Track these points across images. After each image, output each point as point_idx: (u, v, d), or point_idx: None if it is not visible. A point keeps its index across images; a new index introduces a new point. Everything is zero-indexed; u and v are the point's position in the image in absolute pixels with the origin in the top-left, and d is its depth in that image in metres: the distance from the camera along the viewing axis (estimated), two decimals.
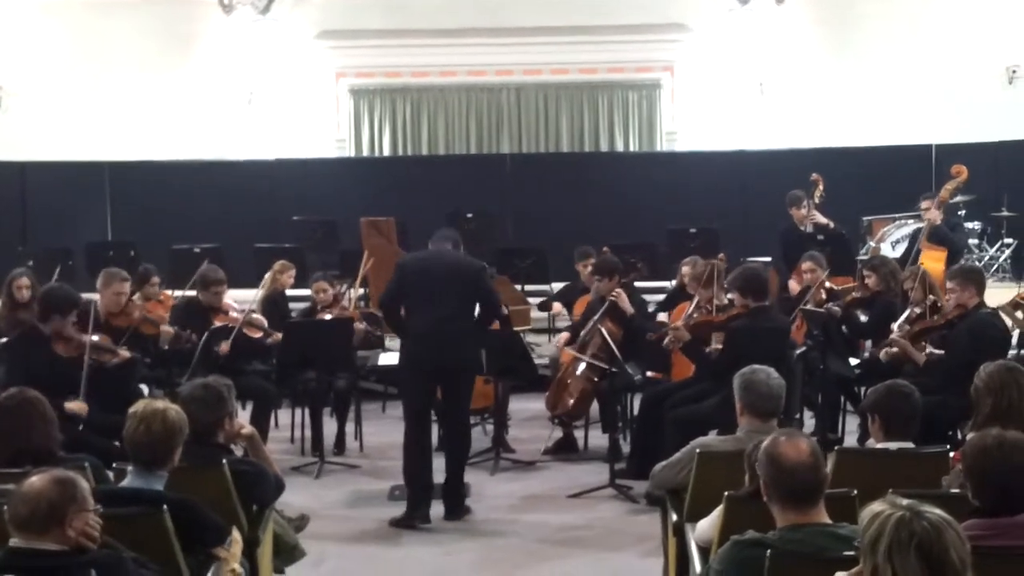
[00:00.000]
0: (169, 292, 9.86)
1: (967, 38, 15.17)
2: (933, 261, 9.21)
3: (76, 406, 6.45)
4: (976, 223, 13.24)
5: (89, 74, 15.55)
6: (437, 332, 6.79)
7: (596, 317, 7.94)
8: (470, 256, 7.54)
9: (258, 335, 8.23)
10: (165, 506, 3.99)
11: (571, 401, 8.10)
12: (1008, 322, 7.28)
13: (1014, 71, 15.10)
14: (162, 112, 15.60)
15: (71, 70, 15.58)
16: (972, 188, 12.09)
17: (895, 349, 7.24)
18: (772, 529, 3.52)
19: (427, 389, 6.95)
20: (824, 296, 8.48)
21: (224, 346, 7.81)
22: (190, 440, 4.46)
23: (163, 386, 7.91)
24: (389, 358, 8.21)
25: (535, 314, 10.66)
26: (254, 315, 8.36)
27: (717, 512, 4.15)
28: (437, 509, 6.88)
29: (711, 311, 7.49)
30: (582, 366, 8.05)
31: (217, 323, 7.99)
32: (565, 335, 8.78)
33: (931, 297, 7.47)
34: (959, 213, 12.76)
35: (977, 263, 11.42)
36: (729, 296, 7.42)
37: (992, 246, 13.35)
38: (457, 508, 6.92)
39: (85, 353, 6.65)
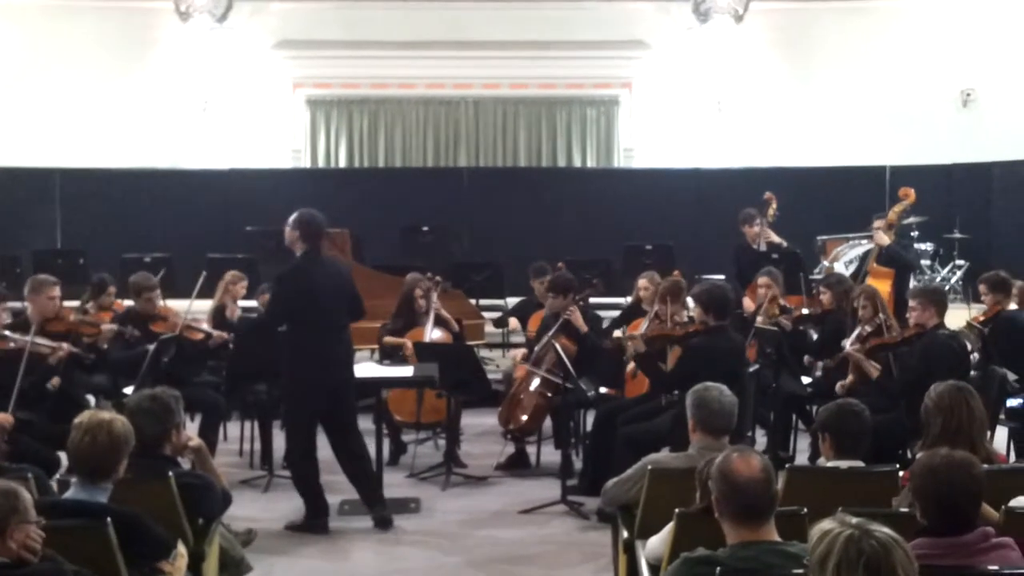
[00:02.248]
0: (121, 302, 9.74)
1: (923, 61, 15.35)
2: (880, 282, 9.28)
3: (2, 417, 6.32)
4: (928, 244, 13.40)
5: (42, 79, 15.35)
6: (325, 351, 6.86)
7: (550, 333, 7.93)
8: (336, 261, 7.60)
9: (200, 337, 8.16)
10: (109, 519, 3.94)
11: (524, 417, 8.08)
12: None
13: (968, 94, 15.28)
14: (116, 119, 15.43)
15: (23, 74, 15.37)
16: (925, 210, 12.25)
17: (850, 379, 7.27)
18: (722, 546, 3.52)
19: (316, 409, 6.96)
20: (778, 311, 8.54)
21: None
22: (136, 452, 4.40)
23: (110, 397, 7.82)
24: None
25: (489, 329, 10.63)
26: (192, 318, 8.28)
27: (668, 529, 4.15)
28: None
29: (668, 325, 7.50)
30: (536, 381, 8.04)
31: (156, 330, 7.91)
32: (522, 351, 8.77)
33: (880, 316, 7.51)
34: (912, 234, 12.91)
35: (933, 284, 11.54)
36: (689, 313, 7.43)
37: (944, 267, 13.50)
38: (380, 502, 7.00)
39: (26, 348, 6.61)
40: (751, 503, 3.50)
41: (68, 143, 15.09)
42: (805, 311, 8.62)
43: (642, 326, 7.96)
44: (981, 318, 8.19)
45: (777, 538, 3.51)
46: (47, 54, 15.38)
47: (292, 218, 6.98)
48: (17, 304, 7.85)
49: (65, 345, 7.01)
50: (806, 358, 8.32)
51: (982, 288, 8.39)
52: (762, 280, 8.81)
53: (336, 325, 6.95)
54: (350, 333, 7.15)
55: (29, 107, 15.26)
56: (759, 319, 8.43)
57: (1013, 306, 8.35)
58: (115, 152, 15.09)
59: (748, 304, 9.21)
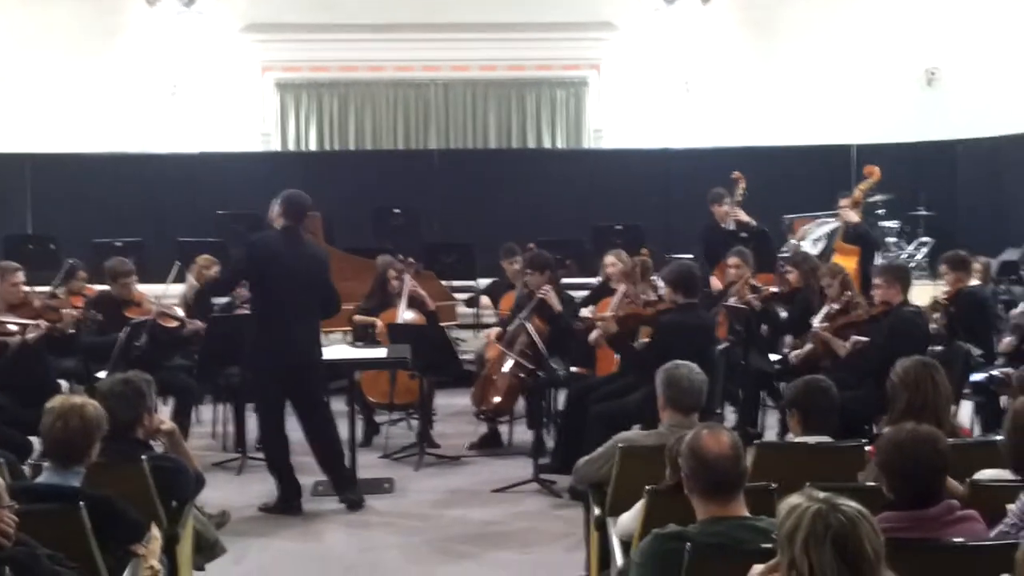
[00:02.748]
0: (91, 287, 9.71)
1: (887, 40, 15.43)
2: (846, 259, 9.36)
3: None
4: (894, 222, 13.50)
5: (10, 65, 15.21)
6: (291, 330, 6.78)
7: (524, 314, 7.96)
8: (316, 245, 7.43)
9: (173, 324, 8.15)
10: (82, 503, 3.94)
11: (497, 397, 8.12)
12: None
13: (933, 73, 15.36)
14: (85, 103, 15.32)
15: None
16: (891, 187, 12.33)
17: (809, 346, 7.36)
18: (693, 522, 3.56)
19: (279, 390, 6.94)
20: (748, 293, 8.60)
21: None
22: (109, 436, 4.39)
23: (82, 381, 7.80)
24: None
25: (461, 310, 10.66)
26: (167, 305, 8.26)
27: (639, 506, 4.19)
28: (370, 502, 6.86)
29: (637, 304, 7.55)
30: (509, 362, 8.07)
31: (130, 315, 7.90)
32: (496, 330, 8.79)
33: (848, 293, 7.60)
34: (877, 212, 13.01)
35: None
36: (659, 292, 7.48)
37: (909, 244, 13.61)
38: (348, 482, 7.03)
39: None
40: (720, 479, 3.53)
41: (38, 128, 14.97)
42: (774, 290, 8.68)
43: (611, 304, 8.01)
44: (945, 297, 8.32)
45: (746, 513, 3.55)
46: (15, 39, 15.24)
47: (280, 196, 6.95)
48: None
49: (43, 322, 7.01)
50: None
51: (943, 268, 8.59)
52: (732, 260, 8.87)
53: (302, 309, 6.83)
54: (317, 320, 7.07)
55: None
56: (731, 300, 8.48)
57: (974, 282, 8.53)
58: (85, 137, 14.98)
59: (716, 283, 9.28)
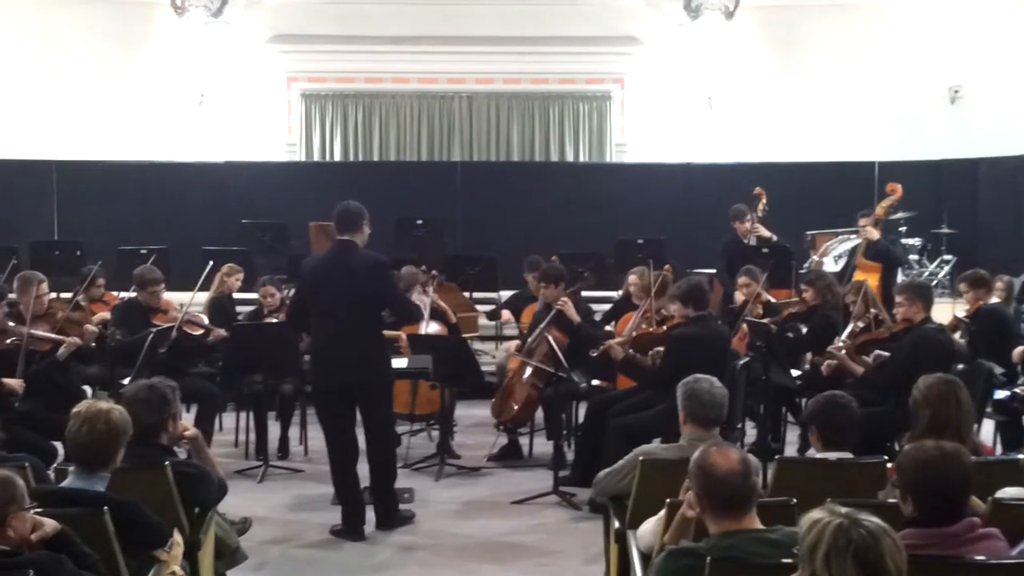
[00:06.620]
0: (114, 294, 9.78)
1: (911, 58, 15.42)
2: (867, 276, 9.36)
3: (13, 382, 6.45)
4: (917, 239, 13.48)
5: (39, 73, 15.36)
6: (335, 349, 6.59)
7: (543, 325, 7.98)
8: (373, 252, 6.87)
9: (199, 332, 8.20)
10: (106, 507, 3.97)
11: (516, 408, 8.13)
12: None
13: (956, 91, 15.33)
14: (112, 112, 15.45)
15: (20, 67, 15.39)
16: (913, 205, 12.32)
17: (835, 361, 7.36)
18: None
19: (338, 412, 6.71)
20: (762, 310, 8.61)
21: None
22: (133, 441, 4.43)
23: (107, 387, 7.86)
24: None
25: (482, 321, 10.68)
26: (193, 313, 8.32)
27: (659, 518, 4.19)
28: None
29: (653, 321, 7.57)
30: (528, 372, 8.08)
31: (156, 323, 7.95)
32: (515, 342, 8.82)
33: (872, 311, 7.60)
34: (900, 229, 12.98)
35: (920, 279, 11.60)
36: (672, 307, 7.50)
37: (932, 262, 13.57)
38: (387, 518, 6.81)
39: (23, 341, 6.68)
40: (731, 495, 3.54)
41: (65, 136, 15.11)
42: (792, 310, 8.69)
43: (631, 322, 8.04)
44: (965, 315, 8.32)
45: (760, 526, 3.56)
46: (44, 47, 15.39)
47: None
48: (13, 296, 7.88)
49: (75, 339, 7.10)
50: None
51: (962, 286, 8.65)
52: (741, 280, 8.93)
53: (352, 325, 6.53)
54: (372, 335, 6.70)
55: (26, 100, 15.27)
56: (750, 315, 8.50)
57: (994, 299, 8.52)
58: (111, 145, 15.12)
59: (739, 298, 9.28)
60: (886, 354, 7.21)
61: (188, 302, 8.32)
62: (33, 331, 6.91)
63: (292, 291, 9.48)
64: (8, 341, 6.89)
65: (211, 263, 8.88)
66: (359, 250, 6.67)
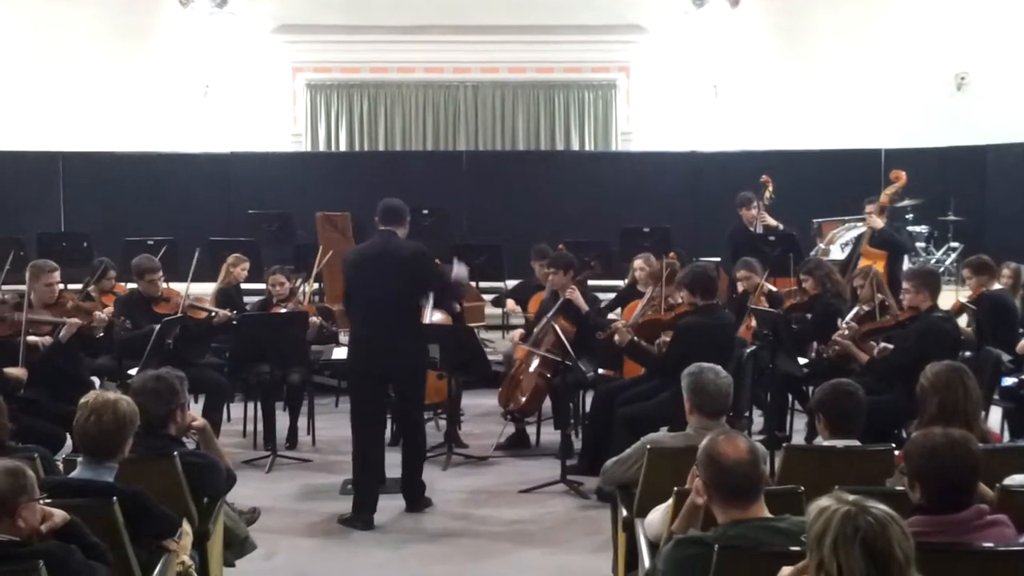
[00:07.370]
0: (123, 285, 9.81)
1: (917, 45, 15.38)
2: (873, 263, 9.34)
3: (17, 371, 6.47)
4: (923, 227, 13.46)
5: (45, 64, 15.40)
6: (376, 336, 6.70)
7: (550, 314, 7.97)
8: (413, 241, 7.09)
9: (203, 315, 8.22)
10: (115, 497, 3.98)
11: (523, 397, 8.13)
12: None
13: (962, 78, 15.30)
14: (118, 103, 15.49)
15: (27, 59, 15.43)
16: (920, 192, 12.30)
17: (839, 347, 7.37)
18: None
19: (371, 397, 6.85)
20: (765, 302, 8.61)
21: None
22: (141, 432, 4.44)
23: (115, 378, 7.87)
24: (342, 353, 8.19)
25: (489, 310, 10.69)
26: (195, 297, 8.33)
27: (667, 506, 4.19)
28: (392, 503, 6.90)
29: (661, 308, 7.56)
30: (535, 362, 8.08)
31: (159, 311, 7.96)
32: (520, 331, 8.82)
33: (879, 296, 7.59)
34: (907, 216, 12.96)
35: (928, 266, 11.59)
36: (680, 295, 7.49)
37: (938, 249, 13.55)
38: (416, 502, 6.96)
39: (22, 330, 6.69)
40: (739, 483, 3.54)
41: (71, 127, 15.15)
42: (794, 300, 8.69)
43: (637, 309, 8.03)
44: (968, 300, 8.32)
45: (767, 514, 3.56)
46: (50, 39, 15.43)
47: None
48: (23, 287, 7.89)
49: (75, 320, 7.10)
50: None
51: (966, 272, 8.65)
52: (740, 273, 8.92)
53: (389, 316, 6.69)
54: (410, 326, 6.83)
55: (33, 92, 15.31)
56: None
57: (997, 286, 8.51)
58: (117, 136, 15.15)
59: (739, 287, 9.27)
60: (891, 347, 7.21)
61: (186, 289, 8.34)
62: (30, 315, 6.91)
63: (300, 280, 9.53)
64: (9, 330, 6.88)
65: (197, 251, 8.86)
66: (401, 240, 6.88)
